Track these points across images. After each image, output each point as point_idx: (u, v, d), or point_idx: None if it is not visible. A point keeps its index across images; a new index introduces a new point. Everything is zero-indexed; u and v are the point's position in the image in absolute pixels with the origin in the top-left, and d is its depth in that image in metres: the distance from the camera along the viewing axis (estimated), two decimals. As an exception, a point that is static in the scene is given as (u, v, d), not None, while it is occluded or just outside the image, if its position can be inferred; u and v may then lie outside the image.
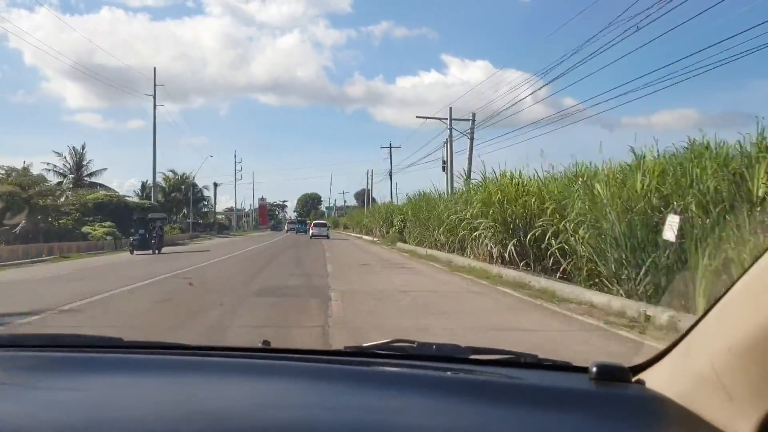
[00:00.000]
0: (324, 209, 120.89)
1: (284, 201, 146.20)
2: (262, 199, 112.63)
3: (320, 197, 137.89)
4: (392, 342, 1.58)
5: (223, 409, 1.11)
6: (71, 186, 39.64)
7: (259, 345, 1.72)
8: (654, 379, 1.23)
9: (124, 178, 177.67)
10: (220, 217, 79.68)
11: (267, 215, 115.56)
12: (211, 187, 65.96)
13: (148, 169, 61.01)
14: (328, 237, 43.31)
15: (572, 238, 11.04)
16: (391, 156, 52.19)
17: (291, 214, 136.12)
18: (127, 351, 1.62)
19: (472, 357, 1.53)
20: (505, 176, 16.24)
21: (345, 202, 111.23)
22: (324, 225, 48.30)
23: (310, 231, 46.07)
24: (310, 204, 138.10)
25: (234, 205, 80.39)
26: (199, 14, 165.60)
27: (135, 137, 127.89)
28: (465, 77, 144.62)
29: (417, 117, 56.51)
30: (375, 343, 1.59)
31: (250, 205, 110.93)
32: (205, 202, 66.57)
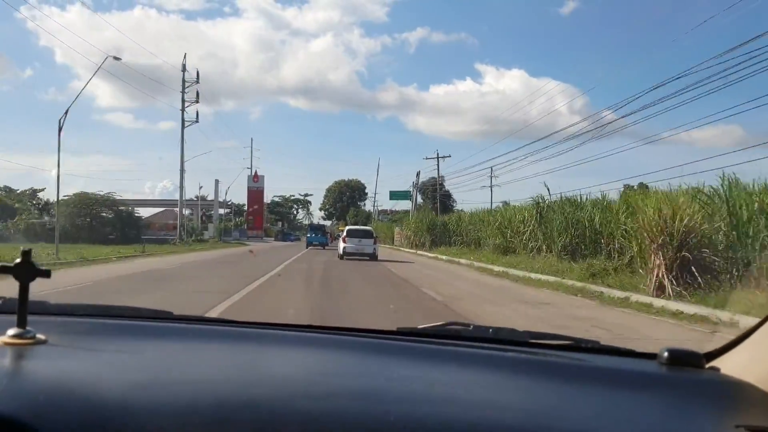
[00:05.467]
0: (372, 208, 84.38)
1: (307, 195, 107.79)
2: (254, 178, 72.85)
3: (364, 186, 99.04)
4: (447, 324, 1.57)
5: (287, 375, 1.13)
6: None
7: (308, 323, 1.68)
8: (729, 366, 1.20)
9: (156, 179, 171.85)
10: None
11: (263, 211, 75.40)
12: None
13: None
14: (375, 257, 25.83)
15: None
16: (438, 167, 46.30)
17: (317, 213, 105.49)
18: (180, 322, 1.59)
19: (530, 341, 1.48)
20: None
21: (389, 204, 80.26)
22: (367, 234, 27.39)
23: (342, 245, 26.54)
24: (347, 197, 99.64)
25: (181, 197, 49.75)
26: (233, 16, 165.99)
27: (165, 138, 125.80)
28: (500, 86, 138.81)
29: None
30: (429, 325, 1.56)
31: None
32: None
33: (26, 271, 1.05)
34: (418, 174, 52.77)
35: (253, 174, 74.99)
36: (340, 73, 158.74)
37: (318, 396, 0.98)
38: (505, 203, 33.08)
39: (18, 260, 1.05)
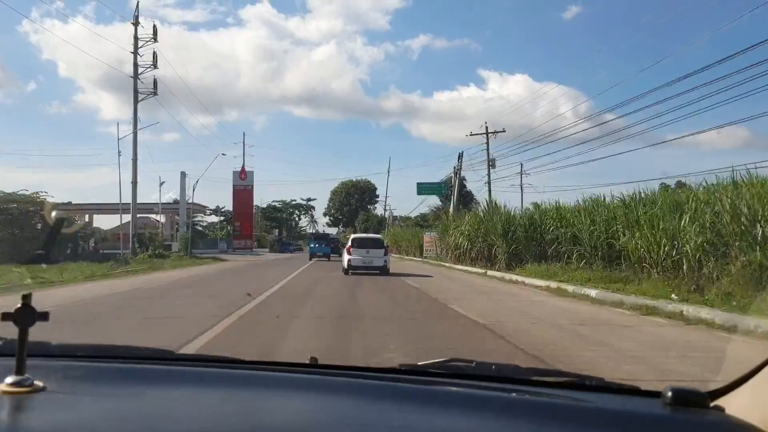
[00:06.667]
0: (384, 211, 72.78)
1: (309, 199, 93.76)
2: (242, 174, 59.02)
3: (374, 188, 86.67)
4: (449, 361, 1.53)
5: (284, 424, 1.11)
6: None
7: (307, 361, 1.61)
8: (734, 405, 1.18)
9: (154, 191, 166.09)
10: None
11: (252, 215, 62.72)
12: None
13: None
14: (387, 270, 21.04)
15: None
16: (488, 145, 32.19)
17: (321, 221, 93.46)
18: (180, 363, 1.59)
19: (534, 378, 1.47)
20: None
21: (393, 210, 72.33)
22: (376, 243, 22.25)
23: (346, 257, 21.47)
24: (355, 200, 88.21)
25: (134, 198, 36.18)
26: (236, 27, 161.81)
27: (170, 149, 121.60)
28: (504, 91, 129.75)
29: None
30: (431, 361, 1.52)
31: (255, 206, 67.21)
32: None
33: (26, 316, 1.04)
34: (460, 156, 38.03)
35: (240, 170, 60.33)
36: (344, 81, 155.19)
37: None
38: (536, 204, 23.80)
39: (18, 305, 1.04)
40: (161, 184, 48.62)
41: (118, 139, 32.16)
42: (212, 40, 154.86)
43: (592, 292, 12.34)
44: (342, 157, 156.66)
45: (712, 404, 1.20)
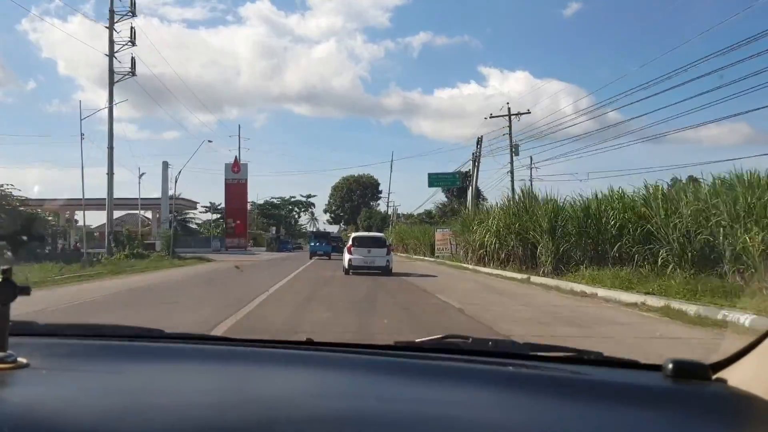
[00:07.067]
0: (387, 207, 71.82)
1: (309, 195, 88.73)
2: (234, 167, 53.67)
3: (377, 183, 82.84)
4: (445, 337, 1.50)
5: (272, 397, 1.08)
6: None
7: (303, 339, 1.57)
8: (736, 377, 1.15)
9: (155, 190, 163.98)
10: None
11: (246, 211, 56.96)
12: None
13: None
14: (389, 270, 19.31)
15: None
16: (511, 128, 27.84)
17: (322, 218, 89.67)
18: (169, 341, 1.52)
19: (531, 353, 1.42)
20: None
21: (397, 209, 70.32)
22: (378, 241, 20.74)
23: (347, 256, 19.85)
24: (357, 196, 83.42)
25: (110, 190, 32.42)
26: (236, 24, 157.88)
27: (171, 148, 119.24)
28: (505, 88, 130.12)
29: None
30: (427, 338, 1.50)
31: (251, 204, 62.95)
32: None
33: (6, 291, 0.99)
34: (479, 141, 33.24)
35: (233, 162, 55.65)
36: (344, 78, 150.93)
37: (300, 420, 0.93)
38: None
39: None
40: (140, 175, 43.90)
41: (80, 120, 27.68)
42: (212, 38, 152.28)
43: (742, 318, 7.85)
44: (342, 155, 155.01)
45: (714, 377, 1.17)
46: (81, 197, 29.11)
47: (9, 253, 25.57)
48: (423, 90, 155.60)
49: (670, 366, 1.17)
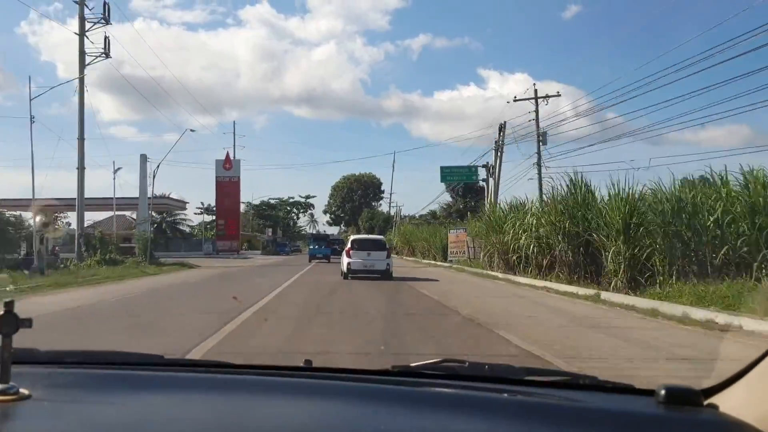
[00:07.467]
0: (389, 207, 68.86)
1: (309, 196, 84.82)
2: (226, 163, 49.37)
3: (379, 182, 79.47)
4: (442, 361, 1.50)
5: (270, 428, 1.09)
6: None
7: (302, 364, 1.60)
8: (728, 403, 1.15)
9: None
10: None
11: (239, 212, 53.16)
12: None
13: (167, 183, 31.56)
14: (389, 274, 18.72)
15: None
16: (537, 114, 23.83)
17: (322, 219, 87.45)
18: (169, 369, 1.55)
19: (527, 378, 1.43)
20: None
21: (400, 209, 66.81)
22: (378, 244, 20.05)
23: (345, 260, 19.19)
24: (358, 196, 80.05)
25: (80, 189, 28.45)
26: (236, 27, 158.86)
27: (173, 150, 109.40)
28: (504, 90, 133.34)
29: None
30: (423, 363, 1.50)
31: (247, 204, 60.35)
32: None
33: (9, 323, 1.00)
34: (501, 128, 28.76)
35: (224, 158, 51.24)
36: (344, 81, 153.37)
37: None
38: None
39: (0, 313, 1.00)
40: (116, 171, 39.70)
41: (30, 99, 23.56)
42: (211, 41, 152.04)
43: None
44: (342, 157, 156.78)
45: (706, 402, 1.18)
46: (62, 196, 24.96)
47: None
48: (423, 92, 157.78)
49: (663, 392, 1.18)
